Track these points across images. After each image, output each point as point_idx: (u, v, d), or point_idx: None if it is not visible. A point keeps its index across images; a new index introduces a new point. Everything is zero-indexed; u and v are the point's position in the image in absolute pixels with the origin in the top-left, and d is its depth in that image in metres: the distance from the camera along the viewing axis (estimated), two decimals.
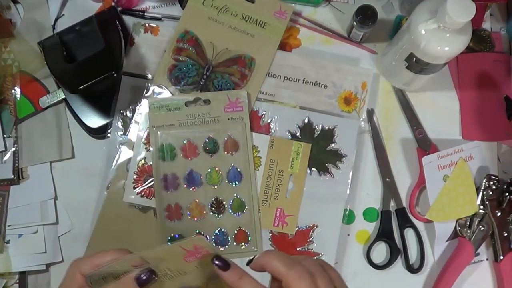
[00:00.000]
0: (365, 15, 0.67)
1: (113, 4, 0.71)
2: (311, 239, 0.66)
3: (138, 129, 0.67)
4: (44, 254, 0.65)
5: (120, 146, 0.67)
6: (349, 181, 0.67)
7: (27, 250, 0.65)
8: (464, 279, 0.66)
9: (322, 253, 0.65)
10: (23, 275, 0.65)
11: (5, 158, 0.67)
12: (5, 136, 0.67)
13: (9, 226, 0.65)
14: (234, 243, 0.65)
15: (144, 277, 0.42)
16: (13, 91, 0.69)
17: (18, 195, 0.66)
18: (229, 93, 0.67)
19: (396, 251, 0.66)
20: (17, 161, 0.67)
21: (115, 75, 0.65)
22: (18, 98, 0.69)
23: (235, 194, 0.66)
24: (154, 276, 0.42)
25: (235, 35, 0.70)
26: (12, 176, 0.66)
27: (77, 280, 0.44)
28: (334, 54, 0.72)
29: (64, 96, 0.68)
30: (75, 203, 0.67)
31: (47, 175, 0.67)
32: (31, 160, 0.67)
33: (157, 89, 0.68)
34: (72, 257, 0.64)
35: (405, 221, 0.67)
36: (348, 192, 0.67)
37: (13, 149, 0.67)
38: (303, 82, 0.70)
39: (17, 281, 0.65)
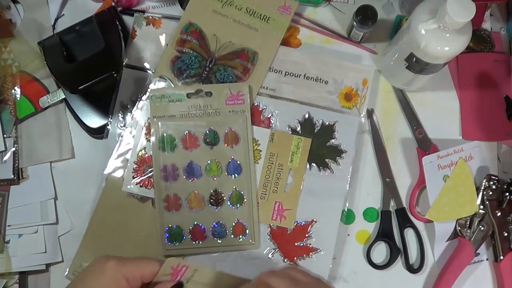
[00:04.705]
0: (365, 15, 0.67)
1: (113, 4, 0.71)
2: (309, 234, 0.66)
3: (139, 119, 0.67)
4: (44, 254, 0.65)
5: (120, 136, 0.67)
6: (349, 177, 0.67)
7: (27, 250, 0.65)
8: (464, 279, 0.66)
9: (321, 248, 0.65)
10: (23, 275, 0.65)
11: (5, 158, 0.67)
12: (5, 136, 0.67)
13: (9, 226, 0.65)
14: (232, 236, 0.65)
15: None
16: (13, 91, 0.69)
17: (18, 195, 0.66)
18: (230, 86, 0.67)
19: (396, 251, 0.66)
20: (17, 161, 0.67)
21: (115, 75, 0.66)
22: (18, 98, 0.69)
23: (234, 187, 0.66)
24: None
25: (239, 28, 0.70)
26: (12, 176, 0.66)
27: (122, 285, 0.44)
28: (334, 55, 0.72)
29: (64, 96, 0.68)
30: (75, 203, 0.67)
31: (47, 175, 0.67)
32: (31, 160, 0.67)
33: (159, 81, 0.68)
34: (72, 257, 0.64)
35: (405, 221, 0.67)
36: (347, 188, 0.67)
37: (13, 149, 0.67)
38: (304, 78, 0.70)
39: (17, 281, 0.65)
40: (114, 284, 0.43)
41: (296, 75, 0.70)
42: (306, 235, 0.66)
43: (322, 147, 0.68)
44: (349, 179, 0.67)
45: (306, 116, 0.68)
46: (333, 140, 0.68)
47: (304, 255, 0.65)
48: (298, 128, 0.68)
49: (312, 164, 0.67)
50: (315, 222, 0.66)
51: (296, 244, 0.65)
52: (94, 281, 0.44)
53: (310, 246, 0.65)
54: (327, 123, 0.68)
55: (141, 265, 0.46)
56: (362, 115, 0.69)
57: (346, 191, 0.67)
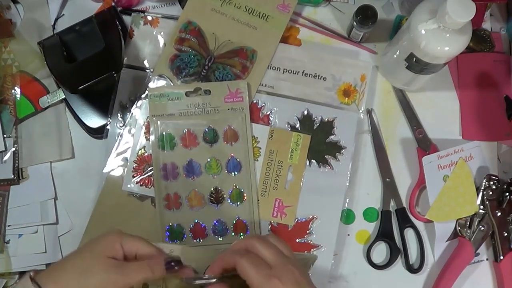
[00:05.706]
0: (365, 15, 0.67)
1: (113, 4, 0.71)
2: (310, 230, 0.66)
3: (138, 118, 0.67)
4: (44, 254, 0.65)
5: (120, 136, 0.67)
6: (349, 173, 0.67)
7: (27, 250, 0.65)
8: (464, 279, 0.66)
9: (322, 245, 0.65)
10: (23, 275, 0.65)
11: (5, 158, 0.67)
12: (5, 136, 0.68)
13: (9, 226, 0.65)
14: (233, 233, 0.65)
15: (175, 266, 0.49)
16: (13, 91, 0.69)
17: (18, 195, 0.66)
18: (229, 84, 0.67)
19: (396, 251, 0.66)
20: (17, 161, 0.67)
21: (115, 75, 0.66)
22: (18, 98, 0.69)
23: (234, 184, 0.66)
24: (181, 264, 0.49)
25: (238, 27, 0.70)
26: (12, 176, 0.66)
27: (116, 249, 0.49)
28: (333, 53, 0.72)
29: (64, 96, 0.68)
30: (75, 203, 0.67)
31: (47, 175, 0.67)
32: (31, 160, 0.67)
33: (158, 79, 0.68)
34: None
35: (405, 221, 0.67)
36: (347, 184, 0.67)
37: (13, 149, 0.67)
38: (302, 75, 0.70)
39: (17, 281, 0.65)
40: (109, 247, 0.49)
41: (294, 72, 0.70)
42: (307, 232, 0.66)
43: (321, 144, 0.68)
44: (349, 175, 0.67)
45: (305, 112, 0.68)
46: (332, 136, 0.68)
47: (306, 251, 0.65)
48: (297, 125, 0.68)
49: (312, 160, 0.67)
50: (316, 218, 0.66)
51: (297, 241, 0.66)
52: (97, 242, 0.49)
53: (311, 242, 0.65)
54: (326, 119, 0.68)
55: (139, 244, 0.50)
56: (361, 111, 0.69)
57: (346, 187, 0.67)
